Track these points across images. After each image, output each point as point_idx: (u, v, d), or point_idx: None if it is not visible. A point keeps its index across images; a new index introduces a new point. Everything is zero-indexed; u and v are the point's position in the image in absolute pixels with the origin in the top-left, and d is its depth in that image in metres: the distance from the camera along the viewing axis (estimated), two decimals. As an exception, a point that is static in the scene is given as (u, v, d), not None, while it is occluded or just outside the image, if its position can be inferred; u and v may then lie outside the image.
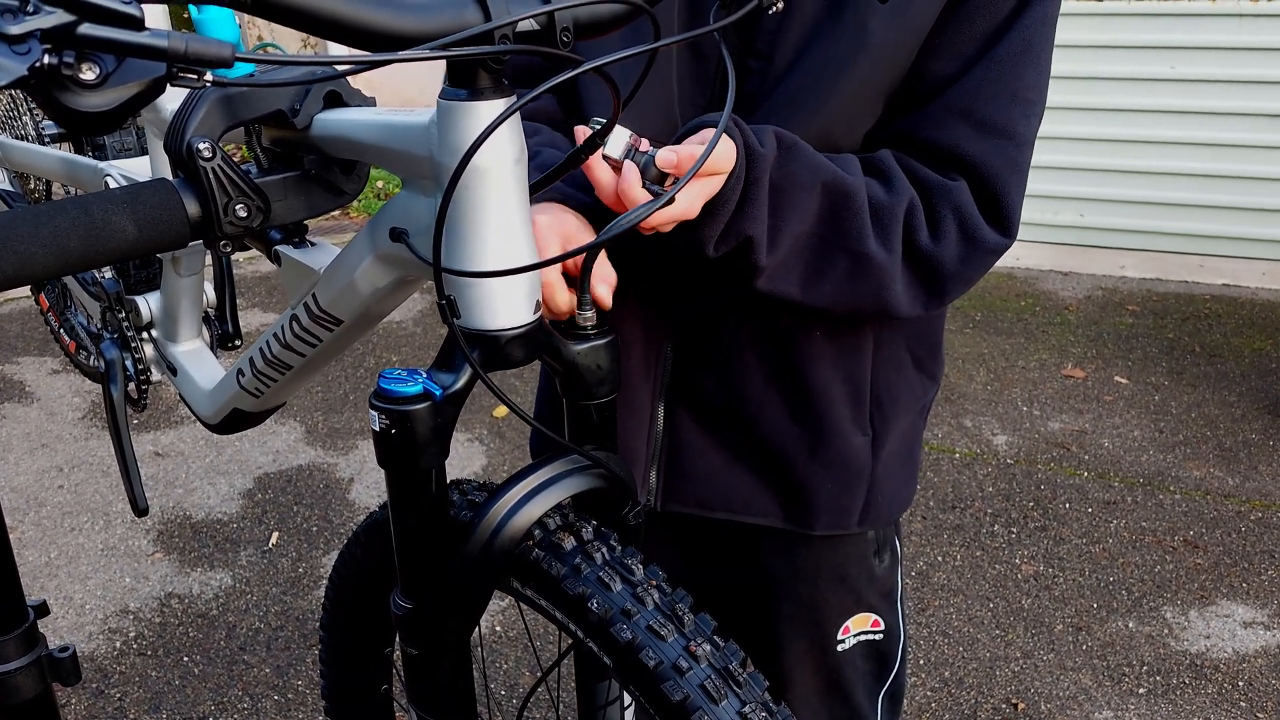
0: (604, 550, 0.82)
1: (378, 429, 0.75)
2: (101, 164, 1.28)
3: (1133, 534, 2.83)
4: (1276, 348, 3.89)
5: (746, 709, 0.75)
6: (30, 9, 0.48)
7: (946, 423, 3.41)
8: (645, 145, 0.83)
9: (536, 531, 0.83)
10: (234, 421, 1.27)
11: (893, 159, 0.97)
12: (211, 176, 0.84)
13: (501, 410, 3.50)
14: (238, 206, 0.86)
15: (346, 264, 0.90)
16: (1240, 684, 2.30)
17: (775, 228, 0.90)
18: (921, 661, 2.37)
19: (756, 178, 0.88)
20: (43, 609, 0.92)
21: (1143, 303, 4.33)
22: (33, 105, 1.57)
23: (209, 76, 0.55)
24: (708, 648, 0.77)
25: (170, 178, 0.85)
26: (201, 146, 0.83)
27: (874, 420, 1.13)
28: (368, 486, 3.08)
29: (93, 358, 1.70)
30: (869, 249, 0.94)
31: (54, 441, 3.32)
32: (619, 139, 0.82)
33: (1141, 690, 2.29)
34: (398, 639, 0.99)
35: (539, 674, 1.82)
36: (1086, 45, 4.64)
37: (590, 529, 0.84)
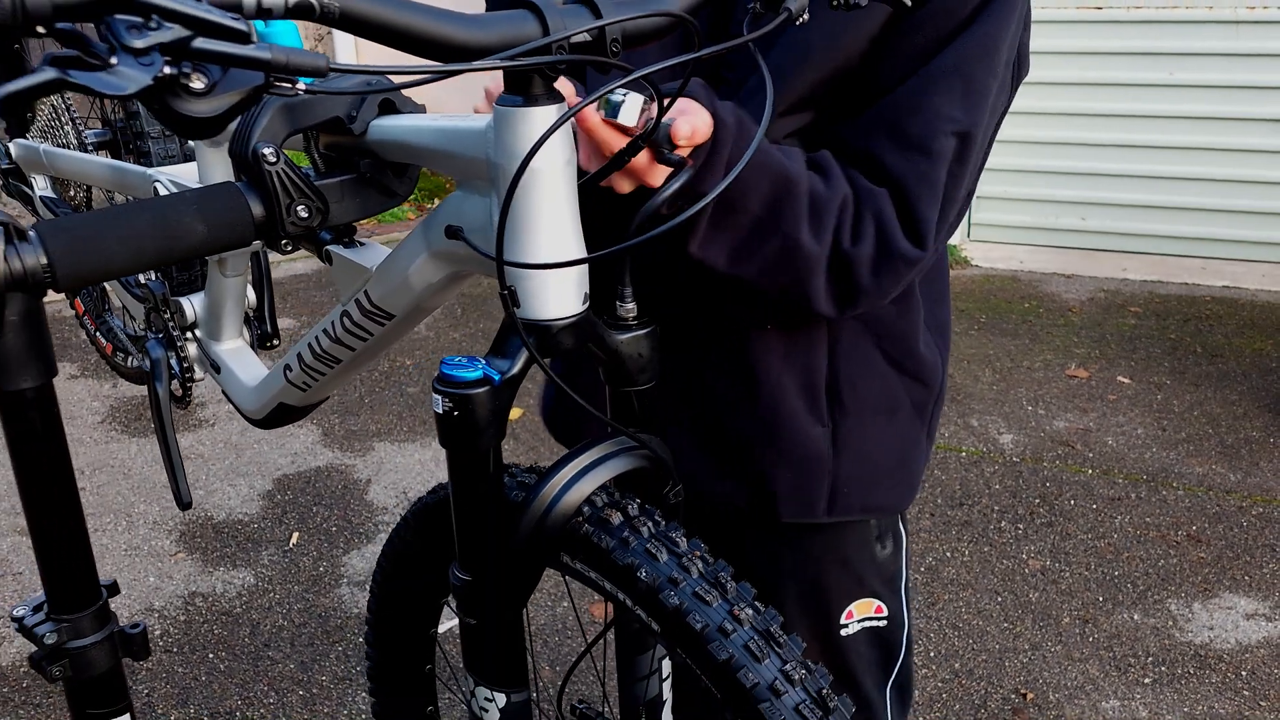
0: (649, 525, 0.88)
1: (440, 411, 0.80)
2: (150, 171, 1.34)
3: (1137, 529, 2.88)
4: (1277, 348, 3.95)
5: (787, 667, 0.80)
6: (153, 25, 0.54)
7: (953, 422, 3.46)
8: (653, 111, 0.85)
9: (585, 509, 0.88)
10: (279, 416, 1.33)
11: (831, 159, 1.01)
12: (276, 179, 0.90)
13: (515, 412, 3.55)
14: (299, 207, 0.92)
15: (400, 261, 0.96)
16: (1243, 673, 2.35)
17: (723, 196, 0.91)
18: (932, 653, 2.43)
19: (719, 146, 0.90)
20: (114, 588, 0.98)
21: (1145, 304, 4.38)
22: (74, 115, 1.63)
23: (301, 85, 0.61)
24: (749, 612, 0.83)
25: (219, 181, 0.91)
26: (266, 151, 0.89)
27: (833, 412, 1.16)
28: (385, 487, 3.13)
29: (130, 359, 1.76)
30: (801, 237, 0.97)
31: (74, 445, 3.37)
32: (634, 107, 0.82)
33: (1147, 680, 2.34)
34: (450, 611, 1.05)
35: (582, 648, 1.87)
36: (1087, 52, 4.70)
37: (635, 506, 0.89)
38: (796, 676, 0.81)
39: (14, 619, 0.97)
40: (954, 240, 4.97)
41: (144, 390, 3.74)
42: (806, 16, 0.86)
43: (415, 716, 1.33)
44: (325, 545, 2.88)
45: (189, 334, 1.45)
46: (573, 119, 0.77)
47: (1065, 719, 2.23)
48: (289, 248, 0.96)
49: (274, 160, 0.89)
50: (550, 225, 0.79)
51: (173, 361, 1.44)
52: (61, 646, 0.93)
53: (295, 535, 2.92)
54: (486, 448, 0.82)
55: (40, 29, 0.55)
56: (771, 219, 0.95)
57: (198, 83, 0.58)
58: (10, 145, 1.72)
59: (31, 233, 0.82)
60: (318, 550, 2.85)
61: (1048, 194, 4.92)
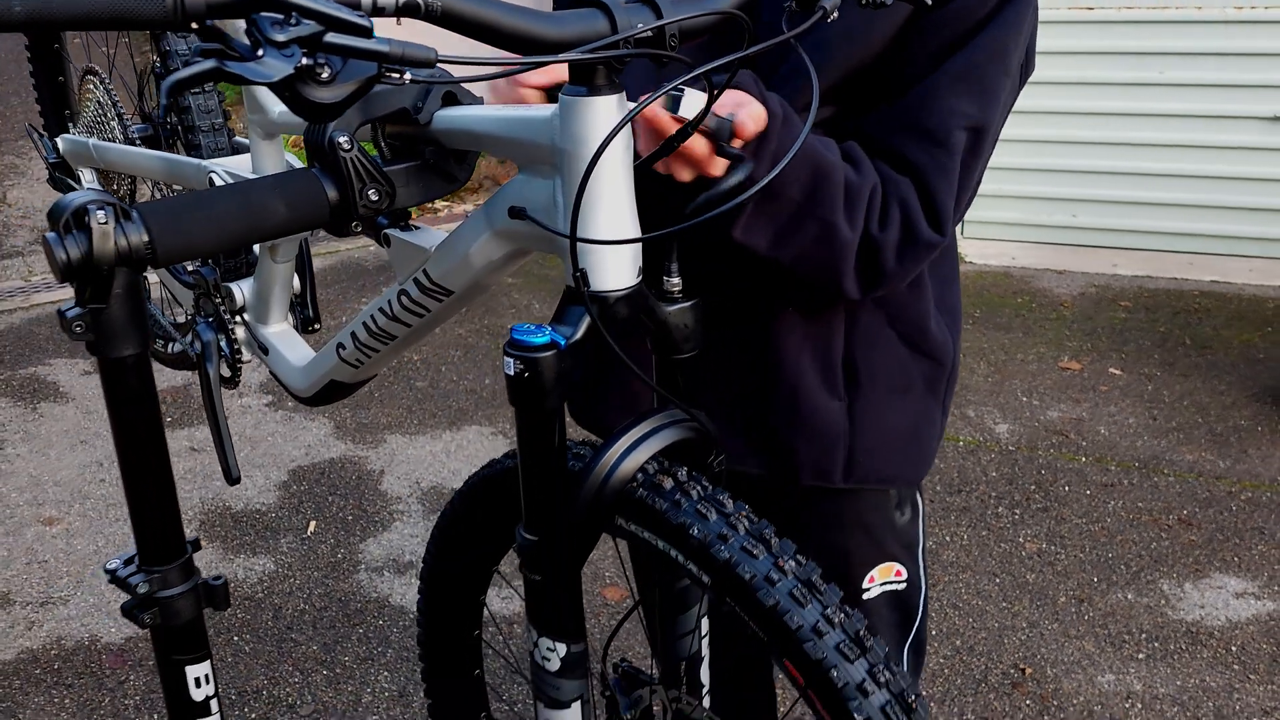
0: (698, 488, 0.96)
1: (511, 373, 0.89)
2: (204, 162, 1.42)
3: (1130, 513, 2.97)
4: (1264, 339, 4.05)
5: (828, 611, 0.89)
6: (292, 21, 0.62)
7: (951, 413, 3.54)
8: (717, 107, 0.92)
9: (639, 475, 0.96)
10: (328, 393, 1.41)
11: (860, 150, 1.09)
12: (350, 166, 0.98)
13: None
14: (370, 191, 1.00)
15: (461, 240, 1.04)
16: (1233, 648, 2.45)
17: (767, 184, 1.01)
18: (934, 632, 2.51)
19: (769, 136, 0.99)
20: (196, 544, 1.06)
21: (1135, 299, 4.48)
22: (121, 111, 1.71)
23: (408, 76, 0.69)
24: (792, 564, 0.91)
25: (271, 171, 0.98)
26: (341, 140, 0.98)
27: (849, 388, 1.25)
28: (399, 478, 3.21)
29: (171, 346, 1.83)
30: (838, 222, 1.05)
31: (92, 438, 3.44)
32: (694, 102, 0.90)
33: (1141, 655, 2.43)
34: (512, 572, 1.13)
35: (624, 621, 1.95)
36: (1079, 51, 4.80)
37: (684, 472, 0.98)
38: (836, 620, 0.90)
39: (106, 571, 1.04)
40: (948, 237, 5.06)
41: (169, 381, 3.80)
42: (836, 14, 0.95)
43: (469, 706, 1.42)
44: (342, 533, 2.95)
45: (238, 318, 1.52)
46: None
47: (1063, 693, 2.32)
48: (358, 229, 1.04)
49: (348, 148, 0.98)
50: (610, 205, 0.87)
51: (222, 344, 1.52)
52: (152, 596, 1.01)
53: (312, 524, 2.99)
54: (552, 408, 0.90)
55: (194, 25, 0.63)
56: (810, 205, 1.04)
57: (324, 73, 0.66)
58: (59, 140, 1.80)
59: (134, 213, 0.90)
60: (335, 538, 2.93)
61: (1039, 191, 5.02)
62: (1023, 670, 2.39)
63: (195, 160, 1.44)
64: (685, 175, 0.96)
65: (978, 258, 4.98)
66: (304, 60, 0.64)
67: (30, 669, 2.44)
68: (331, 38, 0.63)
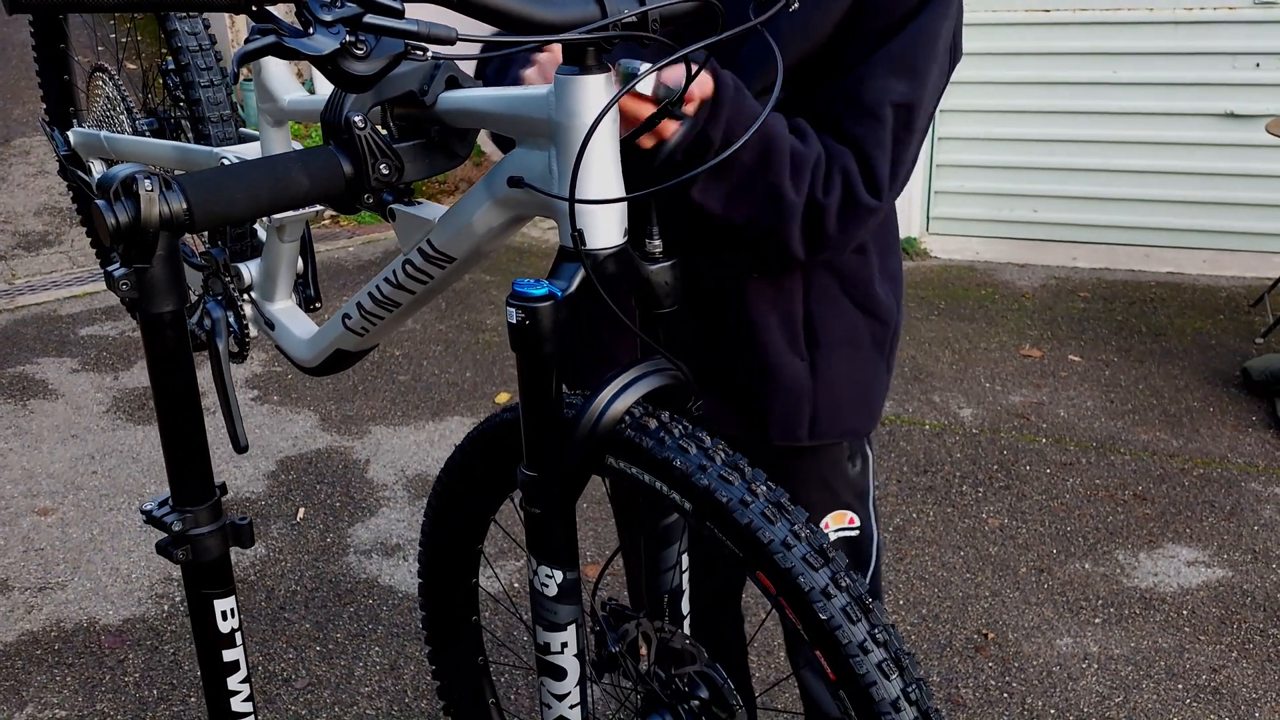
0: (680, 427, 1.07)
1: (514, 321, 1.00)
2: (215, 150, 1.52)
3: (1088, 490, 3.12)
4: (1215, 326, 4.22)
5: (795, 528, 1.00)
6: (338, 4, 0.73)
7: (917, 398, 3.69)
8: (665, 79, 1.03)
9: (627, 418, 1.08)
10: (333, 362, 1.51)
11: (807, 125, 1.22)
12: (363, 142, 1.09)
13: (503, 396, 3.74)
14: (381, 166, 1.11)
15: (464, 210, 1.15)
16: (1185, 612, 2.59)
17: (726, 142, 1.11)
18: (901, 601, 2.64)
19: (721, 100, 1.11)
20: (224, 488, 1.16)
21: (1093, 290, 4.64)
22: (130, 105, 1.81)
23: (430, 52, 0.80)
24: (763, 489, 1.03)
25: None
26: (356, 119, 1.09)
27: (810, 348, 1.37)
28: (384, 466, 3.31)
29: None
30: (784, 186, 1.17)
31: (83, 433, 3.52)
32: (650, 80, 1.01)
33: (1098, 620, 2.57)
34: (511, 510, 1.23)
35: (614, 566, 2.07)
36: (1036, 52, 4.96)
37: (666, 415, 1.09)
38: (802, 535, 1.01)
39: (143, 512, 1.14)
40: (914, 233, 5.22)
41: (142, 380, 3.89)
42: (797, 5, 1.07)
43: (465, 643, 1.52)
44: (331, 519, 3.05)
45: (245, 296, 1.63)
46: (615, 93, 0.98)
47: (1023, 655, 2.45)
48: (369, 200, 1.15)
49: (362, 126, 1.09)
50: (600, 170, 0.99)
51: (231, 320, 1.62)
52: (185, 534, 1.11)
53: (301, 511, 3.09)
54: (549, 353, 1.01)
55: (254, 7, 0.73)
56: (760, 170, 1.16)
57: (361, 49, 0.77)
58: (70, 134, 1.89)
59: (175, 183, 1.01)
60: (324, 523, 3.02)
61: (1001, 188, 5.18)
62: (985, 635, 2.52)
63: (207, 149, 1.55)
64: (647, 142, 1.08)
65: (942, 252, 5.14)
66: (347, 37, 0.75)
67: (31, 650, 2.52)
68: (370, 18, 0.74)
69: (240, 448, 1.60)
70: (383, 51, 0.79)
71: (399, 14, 0.75)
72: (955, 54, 1.27)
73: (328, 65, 0.77)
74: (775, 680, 2.35)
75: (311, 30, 0.74)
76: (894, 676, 0.98)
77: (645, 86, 1.03)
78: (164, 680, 2.42)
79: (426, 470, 3.28)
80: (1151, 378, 3.80)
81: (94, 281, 4.92)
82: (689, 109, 1.08)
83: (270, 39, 0.74)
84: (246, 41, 0.74)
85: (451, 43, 0.78)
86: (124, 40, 1.93)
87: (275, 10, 0.80)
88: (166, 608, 2.67)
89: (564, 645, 1.15)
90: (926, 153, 5.16)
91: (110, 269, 1.02)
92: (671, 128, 1.08)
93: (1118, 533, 2.91)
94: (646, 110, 1.05)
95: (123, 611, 2.66)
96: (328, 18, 0.73)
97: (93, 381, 3.90)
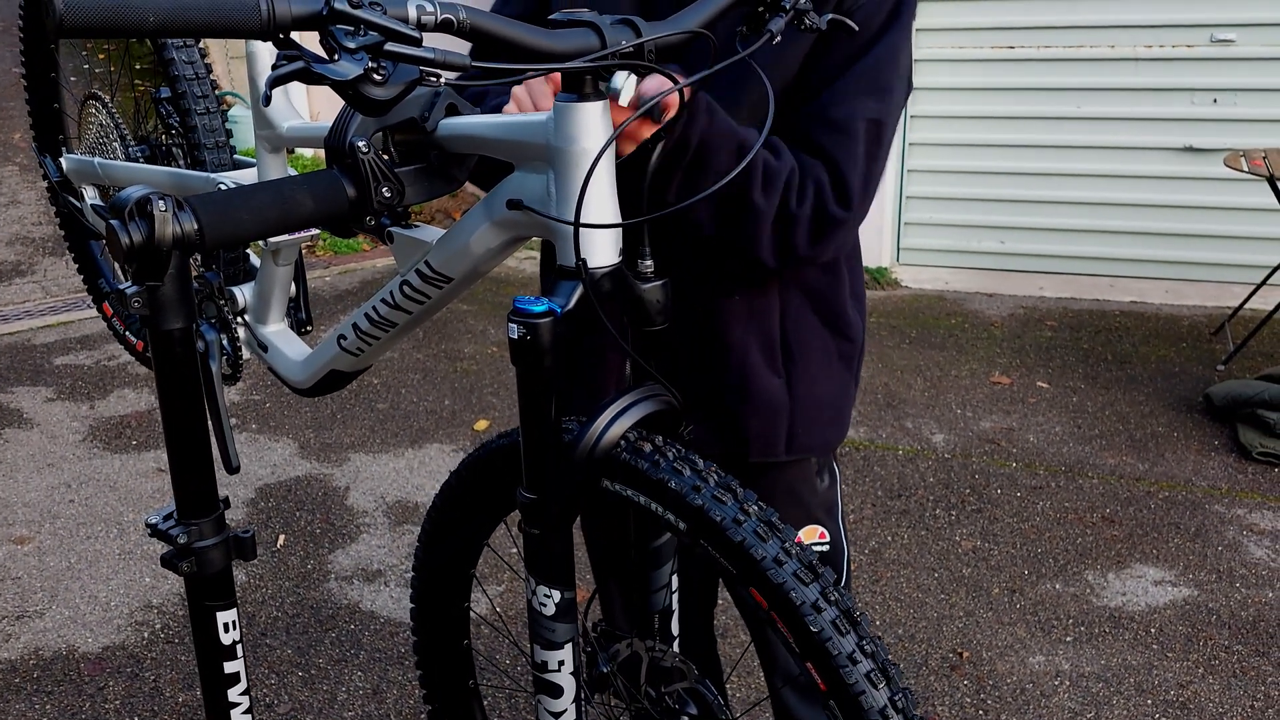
0: (673, 450, 1.12)
1: (515, 337, 1.04)
2: (212, 175, 1.56)
3: (1057, 513, 3.18)
4: (1178, 354, 4.32)
5: (785, 545, 1.04)
6: (361, 33, 0.77)
7: (890, 424, 3.75)
8: (644, 89, 1.08)
9: (622, 442, 1.12)
10: (327, 383, 1.54)
11: (781, 142, 1.28)
12: (366, 166, 1.13)
13: (481, 424, 3.77)
14: (384, 189, 1.15)
15: (462, 232, 1.19)
16: (1152, 630, 2.65)
17: (702, 144, 1.16)
18: (878, 622, 2.68)
19: (695, 109, 1.16)
20: (226, 502, 1.19)
21: (1060, 319, 4.74)
22: (124, 133, 1.84)
23: (442, 80, 0.85)
24: (755, 508, 1.07)
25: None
26: (360, 144, 1.13)
27: (786, 366, 1.43)
28: (364, 493, 3.32)
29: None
30: (754, 195, 1.23)
31: (59, 461, 3.51)
32: (629, 92, 1.03)
33: (1069, 639, 2.62)
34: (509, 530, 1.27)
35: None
36: (1002, 88, 5.09)
37: (659, 439, 1.13)
38: (792, 552, 1.06)
39: (148, 525, 1.17)
40: (884, 263, 5.31)
41: (132, 406, 3.88)
42: (780, 37, 1.13)
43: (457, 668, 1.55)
44: (311, 545, 3.06)
45: (239, 319, 1.66)
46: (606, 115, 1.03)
47: (997, 673, 2.50)
48: (370, 222, 1.20)
49: (366, 151, 1.13)
50: (598, 194, 1.04)
51: (225, 343, 1.65)
52: (189, 546, 1.14)
53: (282, 538, 3.10)
54: (549, 368, 1.06)
55: (280, 35, 0.78)
56: (734, 180, 1.22)
57: (380, 75, 0.82)
58: (62, 160, 1.92)
59: (186, 204, 1.05)
60: (304, 550, 3.03)
61: (969, 220, 5.29)
62: (960, 654, 2.57)
63: (203, 174, 1.58)
64: (627, 148, 1.13)
65: (913, 282, 5.23)
66: (369, 64, 0.79)
67: (9, 678, 2.52)
68: (390, 46, 0.79)
69: (232, 468, 1.63)
70: (399, 78, 0.84)
71: (417, 42, 0.80)
72: (910, 77, 1.35)
73: (349, 90, 0.82)
74: (755, 701, 2.38)
75: (337, 57, 0.78)
76: (881, 686, 1.02)
77: (626, 98, 1.07)
78: (145, 707, 2.42)
79: (406, 497, 3.30)
80: (1118, 404, 3.88)
81: (68, 311, 4.91)
82: (668, 115, 1.13)
83: (299, 64, 0.78)
84: (273, 68, 0.79)
85: (466, 70, 0.83)
86: (112, 70, 1.96)
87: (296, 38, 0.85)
88: (146, 635, 2.67)
89: (561, 663, 1.19)
90: (897, 184, 5.26)
91: (124, 287, 1.06)
92: (647, 130, 1.13)
93: (1087, 554, 2.97)
94: (646, 131, 1.10)
95: (102, 639, 2.66)
96: (352, 45, 0.78)
97: (68, 410, 3.89)
